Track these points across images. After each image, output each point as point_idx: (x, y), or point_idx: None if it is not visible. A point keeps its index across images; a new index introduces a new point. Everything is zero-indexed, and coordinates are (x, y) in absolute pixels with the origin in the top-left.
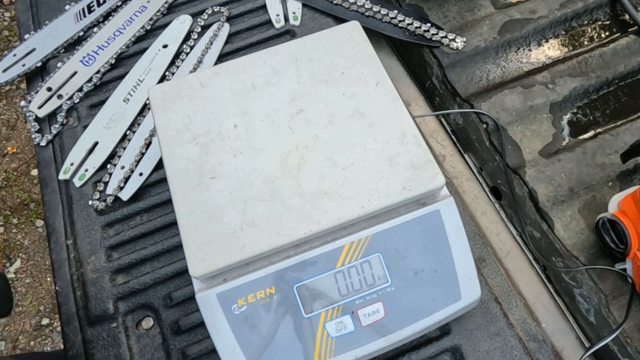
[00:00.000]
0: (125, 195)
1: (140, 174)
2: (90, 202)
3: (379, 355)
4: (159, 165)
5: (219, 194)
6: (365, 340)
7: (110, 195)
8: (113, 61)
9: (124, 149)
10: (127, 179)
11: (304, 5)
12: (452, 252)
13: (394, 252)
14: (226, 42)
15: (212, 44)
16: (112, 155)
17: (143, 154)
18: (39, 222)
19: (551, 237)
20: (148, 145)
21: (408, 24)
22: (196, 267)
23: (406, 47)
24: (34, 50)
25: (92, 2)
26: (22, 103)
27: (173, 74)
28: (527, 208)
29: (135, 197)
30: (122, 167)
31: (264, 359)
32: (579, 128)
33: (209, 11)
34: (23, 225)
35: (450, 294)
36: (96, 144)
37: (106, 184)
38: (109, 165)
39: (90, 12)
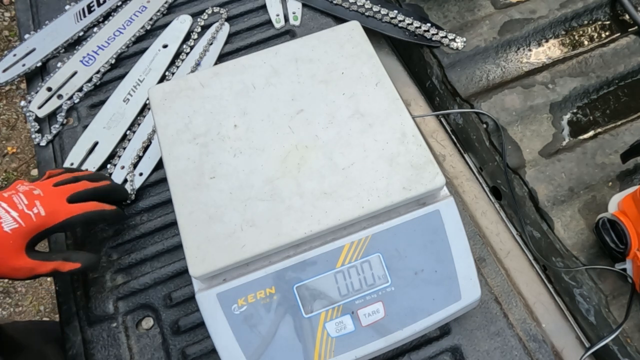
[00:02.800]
0: None
1: (140, 174)
2: None
3: (379, 355)
4: (159, 165)
5: (219, 194)
6: (365, 340)
7: None
8: (113, 61)
9: (124, 149)
10: (127, 179)
11: (304, 5)
12: (452, 252)
13: (394, 252)
14: (226, 42)
15: (212, 44)
16: (112, 155)
17: (143, 154)
18: None
19: (551, 237)
20: (148, 145)
21: (408, 24)
22: (196, 267)
23: (406, 47)
24: (34, 50)
25: (92, 2)
26: (22, 103)
27: (173, 74)
28: (527, 208)
29: (135, 197)
30: (122, 167)
31: (264, 359)
32: (579, 128)
33: (209, 11)
34: None
35: (450, 294)
36: (96, 144)
37: None
38: (109, 165)
39: (90, 12)
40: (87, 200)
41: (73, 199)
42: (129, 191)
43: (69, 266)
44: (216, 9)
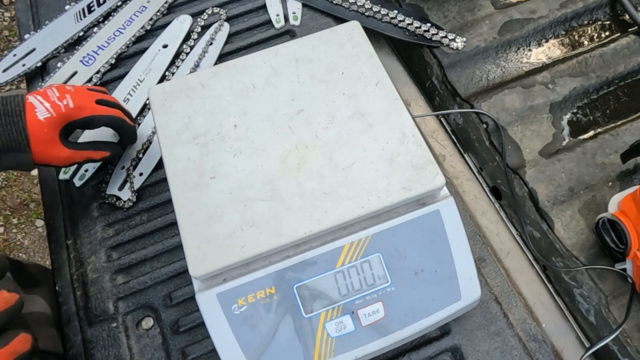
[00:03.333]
0: (125, 195)
1: (141, 174)
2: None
3: (379, 355)
4: (159, 165)
5: (219, 194)
6: (365, 340)
7: (111, 195)
8: (113, 61)
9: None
10: (127, 180)
11: (304, 5)
12: (452, 252)
13: (394, 252)
14: (226, 42)
15: (211, 44)
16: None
17: (143, 154)
18: (39, 222)
19: (551, 237)
20: (148, 146)
21: (408, 24)
22: (196, 267)
23: (406, 47)
24: (34, 50)
25: (92, 2)
26: None
27: (173, 74)
28: (527, 208)
29: (135, 197)
30: (123, 168)
31: (264, 359)
32: (579, 128)
33: (209, 11)
34: (23, 225)
35: (450, 294)
36: None
37: (107, 184)
38: (109, 165)
39: (90, 12)
40: (113, 108)
41: (100, 102)
42: (129, 193)
43: (99, 154)
44: (216, 9)
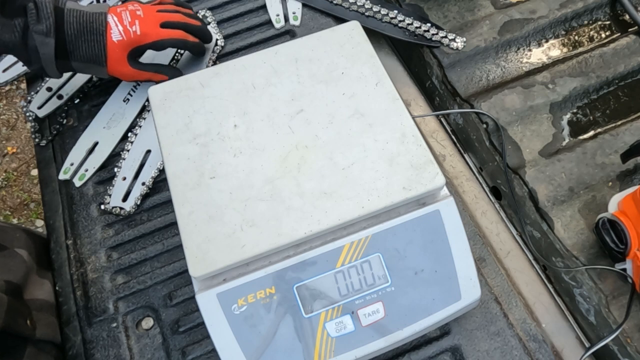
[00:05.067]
0: (128, 205)
1: (143, 184)
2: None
3: (379, 355)
4: (161, 173)
5: (219, 194)
6: (365, 340)
7: (115, 207)
8: None
9: (128, 150)
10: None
11: (304, 5)
12: (452, 252)
13: (394, 252)
14: (226, 43)
15: None
16: (112, 155)
17: (144, 163)
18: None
19: (551, 237)
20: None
21: (408, 24)
22: (196, 267)
23: (406, 47)
24: None
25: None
26: (22, 103)
27: None
28: (527, 208)
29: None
30: (124, 179)
31: (264, 359)
32: (579, 128)
33: (208, 12)
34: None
35: (450, 294)
36: (96, 144)
37: (109, 196)
38: (113, 170)
39: None
40: (177, 29)
41: (165, 25)
42: (133, 204)
43: (158, 77)
44: (207, 13)
